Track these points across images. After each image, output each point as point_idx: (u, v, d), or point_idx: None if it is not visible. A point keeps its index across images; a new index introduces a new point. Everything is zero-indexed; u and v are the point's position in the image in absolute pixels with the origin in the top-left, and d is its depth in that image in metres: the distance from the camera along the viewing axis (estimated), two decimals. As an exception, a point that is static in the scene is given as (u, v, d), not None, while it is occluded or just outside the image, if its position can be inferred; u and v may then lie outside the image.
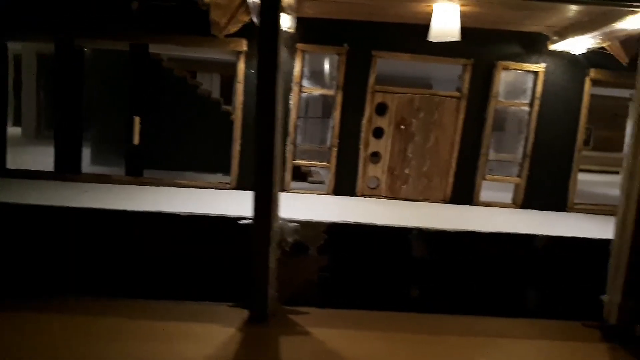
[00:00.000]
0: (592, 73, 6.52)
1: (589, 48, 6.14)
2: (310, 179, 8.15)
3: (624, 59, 6.07)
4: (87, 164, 8.61)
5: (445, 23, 5.29)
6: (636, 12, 4.64)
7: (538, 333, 4.94)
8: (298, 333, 4.47)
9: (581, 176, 6.99)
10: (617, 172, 8.70)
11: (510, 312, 5.14)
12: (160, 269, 4.98)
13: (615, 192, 8.58)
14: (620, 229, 4.80)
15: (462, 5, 5.25)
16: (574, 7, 5.05)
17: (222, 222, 4.88)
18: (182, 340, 4.22)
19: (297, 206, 5.53)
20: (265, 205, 4.45)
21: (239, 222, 4.83)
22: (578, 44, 6.00)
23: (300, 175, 7.71)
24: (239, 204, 5.25)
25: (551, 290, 5.20)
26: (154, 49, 6.54)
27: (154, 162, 7.16)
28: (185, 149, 8.50)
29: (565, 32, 5.96)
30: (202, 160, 8.33)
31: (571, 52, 6.28)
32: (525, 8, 5.24)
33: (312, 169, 8.20)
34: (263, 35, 4.29)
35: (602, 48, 6.09)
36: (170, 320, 4.57)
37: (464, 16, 5.55)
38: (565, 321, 5.10)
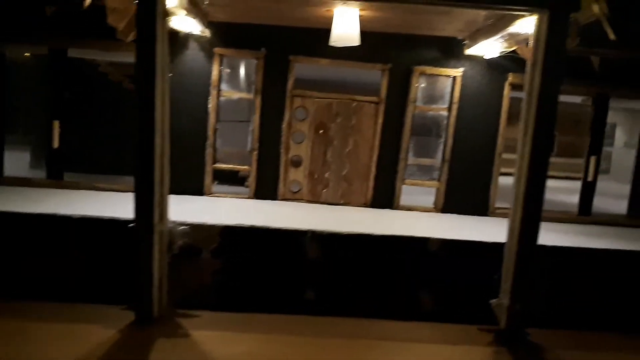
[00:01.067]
0: (511, 77, 6.56)
1: (501, 52, 6.19)
2: (247, 183, 8.15)
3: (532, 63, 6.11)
4: (26, 168, 8.68)
5: (346, 28, 5.34)
6: (521, 15, 4.70)
7: (429, 336, 4.92)
8: (178, 335, 4.47)
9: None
10: (578, 178, 8.85)
11: (405, 315, 5.14)
12: (57, 271, 4.99)
13: (564, 197, 8.81)
14: (510, 232, 4.82)
15: (361, 10, 5.30)
16: (468, 11, 5.09)
17: (113, 224, 4.90)
18: (57, 341, 4.22)
19: (212, 210, 5.58)
20: (146, 207, 4.47)
21: (129, 225, 4.84)
22: (489, 48, 6.05)
23: (240, 179, 7.69)
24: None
25: (446, 293, 5.20)
26: (73, 53, 6.57)
27: (78, 165, 7.18)
28: (112, 152, 8.45)
29: (475, 36, 6.02)
30: (129, 164, 8.25)
31: (484, 56, 6.33)
32: (423, 12, 5.28)
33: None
34: (140, 38, 4.32)
35: (515, 52, 6.14)
36: (55, 321, 4.57)
37: (375, 22, 5.63)
38: (461, 325, 5.09)
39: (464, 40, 6.35)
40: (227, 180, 7.09)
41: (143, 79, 4.37)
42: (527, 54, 6.11)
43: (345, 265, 5.12)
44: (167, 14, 4.50)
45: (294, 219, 5.60)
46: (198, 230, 4.95)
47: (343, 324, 5.00)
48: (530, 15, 4.58)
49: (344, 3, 5.08)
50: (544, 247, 5.27)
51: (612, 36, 4.79)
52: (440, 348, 4.74)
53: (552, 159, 10.18)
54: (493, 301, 4.84)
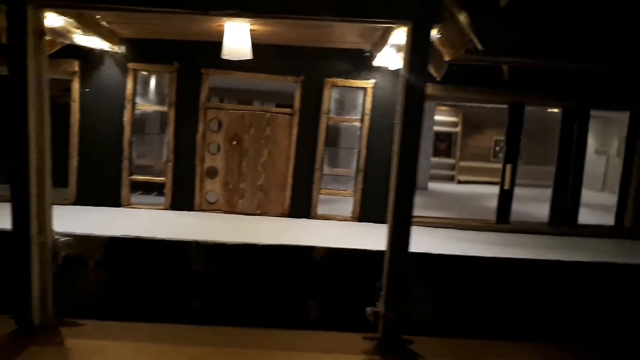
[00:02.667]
0: (422, 88, 6.62)
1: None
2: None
3: (436, 74, 6.18)
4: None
5: (237, 42, 5.47)
6: (392, 27, 4.79)
7: (309, 345, 4.96)
8: (52, 344, 4.57)
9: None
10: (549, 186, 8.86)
11: (293, 324, 5.19)
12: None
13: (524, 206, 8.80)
14: (387, 239, 4.87)
15: (251, 24, 5.43)
16: (349, 25, 5.19)
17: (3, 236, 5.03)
18: None
19: (120, 221, 5.74)
20: (23, 219, 4.60)
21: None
22: (390, 60, 6.12)
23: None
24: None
25: (334, 301, 5.25)
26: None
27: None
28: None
29: (374, 48, 6.11)
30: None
31: (389, 67, 6.42)
32: (309, 26, 5.38)
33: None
34: (11, 57, 4.47)
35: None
36: None
37: (272, 35, 5.76)
38: (348, 333, 5.13)
39: (367, 52, 6.43)
40: (154, 190, 7.24)
41: (15, 95, 4.52)
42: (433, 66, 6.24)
43: (231, 275, 5.20)
44: (41, 33, 4.65)
45: (197, 229, 5.72)
46: (83, 241, 5.07)
47: (227, 333, 5.05)
48: (399, 27, 4.67)
49: (229, 19, 5.20)
50: (430, 255, 5.34)
51: (479, 46, 4.85)
52: (314, 356, 4.79)
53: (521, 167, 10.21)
54: (368, 309, 4.88)
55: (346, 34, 5.68)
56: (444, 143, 14.64)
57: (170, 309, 5.19)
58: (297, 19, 4.79)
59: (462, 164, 14.47)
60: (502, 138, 14.92)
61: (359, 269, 5.20)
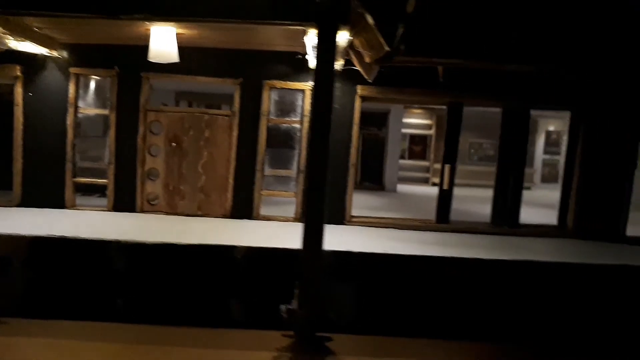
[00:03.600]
0: (360, 90, 6.71)
1: (343, 66, 6.36)
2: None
3: (368, 76, 6.26)
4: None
5: (163, 45, 5.56)
6: (301, 29, 4.87)
7: (229, 343, 5.02)
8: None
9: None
10: (527, 188, 8.88)
11: (214, 322, 5.25)
12: None
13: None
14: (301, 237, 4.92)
15: (178, 28, 5.53)
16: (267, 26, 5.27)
17: None
18: None
19: (63, 223, 5.86)
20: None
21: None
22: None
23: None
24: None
25: (255, 299, 5.30)
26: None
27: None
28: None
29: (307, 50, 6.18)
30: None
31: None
32: (230, 29, 5.47)
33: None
34: None
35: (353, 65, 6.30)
36: None
37: (199, 39, 5.85)
38: (268, 331, 5.18)
39: (299, 54, 6.50)
40: (98, 192, 7.33)
41: None
42: (361, 68, 6.31)
43: (152, 274, 5.27)
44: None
45: (131, 230, 5.80)
46: (6, 241, 5.16)
47: (148, 331, 5.10)
48: (306, 28, 4.75)
49: (151, 23, 5.30)
50: (351, 254, 5.40)
51: (385, 47, 4.92)
52: (228, 353, 4.84)
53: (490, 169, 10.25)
54: (282, 306, 4.93)
55: (274, 37, 5.77)
56: (418, 146, 14.69)
57: (94, 307, 5.26)
58: (202, 22, 4.89)
59: (437, 166, 14.47)
60: (478, 141, 15.14)
61: (279, 268, 5.25)
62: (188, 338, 5.06)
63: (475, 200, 9.74)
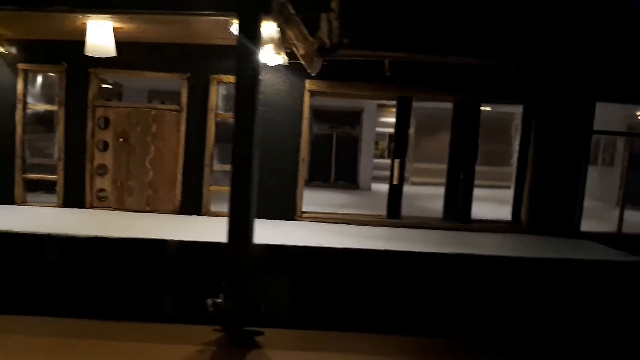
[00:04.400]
0: (308, 84, 6.68)
1: (290, 60, 6.32)
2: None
3: (310, 70, 6.22)
4: None
5: (100, 39, 5.55)
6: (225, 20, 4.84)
7: (159, 336, 4.98)
8: None
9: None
10: (507, 187, 8.77)
11: (147, 316, 5.21)
12: None
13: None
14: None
15: (115, 22, 5.51)
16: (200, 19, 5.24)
17: None
18: None
19: (9, 219, 5.87)
20: None
21: None
22: (268, 56, 6.16)
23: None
24: None
25: (189, 293, 5.26)
26: None
27: None
28: None
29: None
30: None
31: (267, 63, 6.44)
32: (163, 22, 5.45)
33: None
34: None
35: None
36: None
37: (138, 33, 5.83)
38: (200, 325, 5.12)
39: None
40: (51, 189, 7.32)
41: None
42: (305, 62, 6.28)
43: (84, 268, 5.24)
44: None
45: (73, 224, 5.79)
46: (-64, 234, 5.15)
47: (78, 325, 5.08)
48: (228, 18, 4.72)
49: (85, 17, 5.28)
50: (284, 247, 5.36)
51: (309, 39, 4.89)
52: (156, 347, 4.80)
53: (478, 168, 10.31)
54: (209, 300, 4.88)
55: (210, 30, 5.73)
56: (397, 145, 14.59)
57: (25, 301, 5.23)
58: (124, 14, 4.88)
59: (416, 165, 14.42)
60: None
61: (212, 261, 5.20)
62: (119, 332, 5.03)
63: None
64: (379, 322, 5.23)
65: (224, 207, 6.86)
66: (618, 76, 6.71)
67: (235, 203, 4.75)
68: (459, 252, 5.43)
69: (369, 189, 12.46)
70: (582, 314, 5.35)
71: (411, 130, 14.82)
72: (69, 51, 6.65)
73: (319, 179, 12.55)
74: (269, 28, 5.01)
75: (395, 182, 6.86)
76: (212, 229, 6.03)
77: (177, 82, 6.89)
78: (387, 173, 14.01)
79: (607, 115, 11.03)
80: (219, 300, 4.84)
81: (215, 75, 6.66)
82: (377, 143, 13.87)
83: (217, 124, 6.77)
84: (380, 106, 13.04)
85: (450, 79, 6.73)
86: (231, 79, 6.64)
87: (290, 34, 5.31)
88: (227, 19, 4.80)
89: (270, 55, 6.15)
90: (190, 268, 5.26)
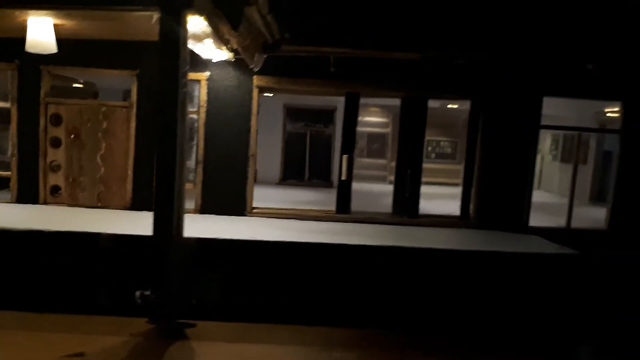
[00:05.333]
0: (256, 80, 6.74)
1: (237, 56, 6.39)
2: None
3: (252, 66, 6.29)
4: None
5: (40, 36, 5.64)
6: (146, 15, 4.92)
7: (88, 328, 5.03)
8: None
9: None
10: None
11: (79, 309, 5.27)
12: None
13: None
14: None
15: (54, 18, 5.60)
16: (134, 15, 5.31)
17: None
18: None
19: None
20: None
21: None
22: (209, 52, 6.23)
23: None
24: None
25: (124, 286, 5.33)
26: None
27: None
28: None
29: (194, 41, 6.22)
30: None
31: (212, 60, 6.52)
32: (98, 18, 5.51)
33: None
34: None
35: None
36: None
37: (76, 30, 5.92)
38: (134, 318, 5.19)
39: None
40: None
41: None
42: (245, 58, 6.34)
43: (20, 260, 5.33)
44: None
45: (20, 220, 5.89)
46: None
47: (11, 317, 5.15)
48: (152, 13, 4.79)
49: (22, 12, 5.38)
50: (216, 240, 5.42)
51: (233, 31, 4.94)
52: (82, 338, 4.86)
53: (454, 167, 10.30)
54: (137, 292, 4.95)
55: (153, 27, 5.78)
56: (376, 144, 14.66)
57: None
58: (54, 9, 4.96)
59: (394, 164, 14.41)
60: (435, 139, 15.06)
61: (146, 254, 5.28)
62: (46, 323, 5.08)
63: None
64: (314, 315, 5.27)
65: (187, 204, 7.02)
66: (564, 71, 6.73)
67: (159, 197, 4.81)
68: (392, 244, 5.47)
69: (342, 187, 12.47)
70: (514, 305, 5.38)
71: (389, 129, 14.95)
72: (21, 48, 6.75)
73: (293, 177, 12.62)
74: (197, 23, 5.08)
75: (343, 177, 6.90)
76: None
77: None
78: (366, 172, 14.28)
79: (581, 112, 11.12)
80: (147, 293, 4.92)
81: (164, 72, 6.73)
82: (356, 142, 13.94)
83: (168, 120, 6.84)
84: (361, 105, 13.08)
85: (398, 74, 6.78)
86: (180, 75, 6.76)
87: (223, 29, 5.37)
88: (152, 13, 4.86)
89: (212, 51, 6.24)
90: (125, 261, 5.33)
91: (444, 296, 5.32)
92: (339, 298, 5.35)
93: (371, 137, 14.56)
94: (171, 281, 4.85)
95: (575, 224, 7.27)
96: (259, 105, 6.88)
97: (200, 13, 4.81)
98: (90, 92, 11.36)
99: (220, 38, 5.64)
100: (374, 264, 5.34)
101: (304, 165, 12.84)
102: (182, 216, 4.92)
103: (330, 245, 5.39)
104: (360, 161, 14.19)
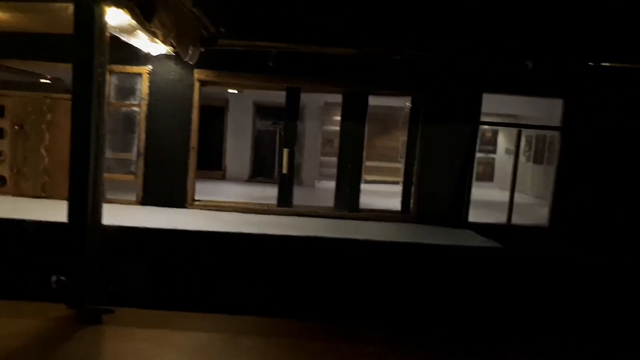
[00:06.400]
0: (197, 73, 6.81)
1: (175, 50, 6.46)
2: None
3: (186, 59, 6.35)
4: None
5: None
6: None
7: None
8: None
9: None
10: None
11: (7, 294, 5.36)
12: None
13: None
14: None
15: (-13, 10, 5.70)
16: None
17: None
18: None
19: None
20: None
21: None
22: (144, 45, 6.30)
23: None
24: None
25: (45, 272, 5.40)
26: None
27: None
28: None
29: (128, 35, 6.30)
30: None
31: (151, 53, 6.60)
32: (24, 10, 5.60)
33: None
34: None
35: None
36: None
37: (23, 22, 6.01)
38: (50, 303, 5.24)
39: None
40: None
41: None
42: (178, 48, 6.39)
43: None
44: None
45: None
46: None
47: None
48: (67, 5, 4.87)
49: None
50: (137, 229, 5.49)
51: (144, 25, 5.01)
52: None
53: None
54: (53, 277, 5.02)
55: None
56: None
57: None
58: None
59: (369, 163, 14.47)
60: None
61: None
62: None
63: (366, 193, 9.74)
64: (238, 303, 5.32)
65: (118, 195, 7.10)
66: (503, 67, 6.75)
67: (74, 185, 4.88)
68: (319, 235, 5.52)
69: (312, 185, 12.54)
70: (435, 296, 5.41)
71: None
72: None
73: (263, 174, 12.67)
74: (120, 16, 5.15)
75: (284, 171, 6.95)
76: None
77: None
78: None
79: (552, 112, 11.10)
80: (63, 278, 5.00)
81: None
82: (332, 141, 13.95)
83: (111, 113, 6.94)
84: (332, 104, 13.13)
85: (338, 70, 6.83)
86: (122, 68, 6.89)
87: (141, 21, 5.43)
88: (67, 5, 4.94)
89: (148, 44, 6.32)
90: (48, 247, 5.40)
91: (364, 286, 5.35)
92: (259, 287, 5.40)
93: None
94: (85, 267, 4.92)
95: (527, 221, 7.28)
96: (200, 98, 6.94)
97: (116, 5, 4.88)
98: (61, 87, 11.51)
99: (147, 30, 5.72)
100: (295, 254, 5.38)
101: (273, 162, 12.90)
102: (99, 204, 4.97)
103: (254, 235, 5.44)
104: (330, 160, 14.22)
